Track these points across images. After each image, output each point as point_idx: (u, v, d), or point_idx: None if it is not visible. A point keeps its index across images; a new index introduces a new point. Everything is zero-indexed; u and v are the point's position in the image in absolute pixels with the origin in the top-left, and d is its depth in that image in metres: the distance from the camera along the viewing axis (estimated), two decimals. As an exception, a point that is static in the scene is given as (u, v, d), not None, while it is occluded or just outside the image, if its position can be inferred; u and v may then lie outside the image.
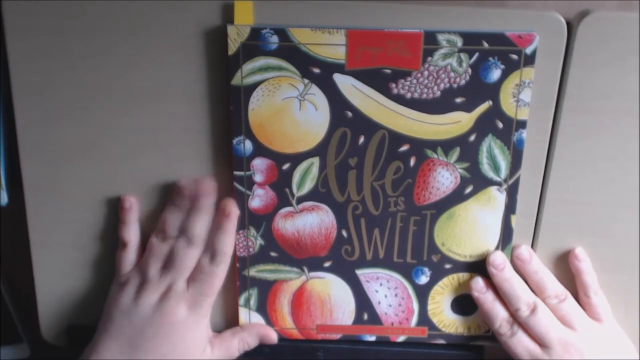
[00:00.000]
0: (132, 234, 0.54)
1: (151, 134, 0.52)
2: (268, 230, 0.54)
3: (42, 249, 0.56)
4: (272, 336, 0.57)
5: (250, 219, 0.54)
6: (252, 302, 0.56)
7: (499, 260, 0.53)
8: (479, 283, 0.54)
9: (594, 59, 0.49)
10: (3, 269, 0.63)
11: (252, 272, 0.55)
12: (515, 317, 0.53)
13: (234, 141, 0.51)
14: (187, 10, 0.49)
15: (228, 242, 0.53)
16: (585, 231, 0.54)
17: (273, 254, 0.55)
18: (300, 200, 0.53)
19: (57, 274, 0.57)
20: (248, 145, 0.51)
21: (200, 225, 0.52)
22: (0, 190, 0.55)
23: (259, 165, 0.52)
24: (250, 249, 0.55)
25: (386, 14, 0.48)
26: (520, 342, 0.52)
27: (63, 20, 0.49)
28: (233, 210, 0.53)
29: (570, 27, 0.48)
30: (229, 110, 0.51)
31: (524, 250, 0.53)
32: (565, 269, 0.54)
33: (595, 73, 0.49)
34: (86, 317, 0.58)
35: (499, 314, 0.53)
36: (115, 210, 0.54)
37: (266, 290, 0.56)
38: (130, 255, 0.54)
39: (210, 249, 0.53)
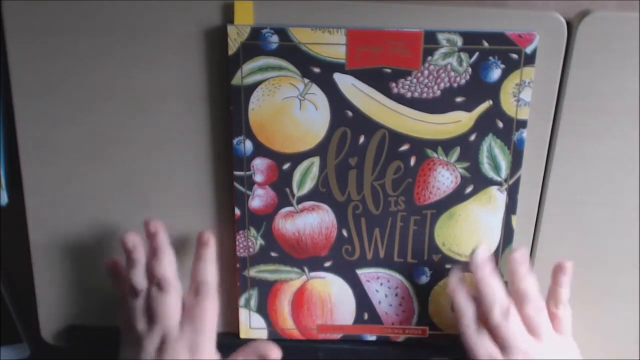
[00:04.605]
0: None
1: (151, 134, 0.52)
2: (268, 230, 0.54)
3: (42, 249, 0.56)
4: (273, 353, 0.52)
5: (250, 219, 0.54)
6: (253, 302, 0.56)
7: (481, 257, 0.52)
8: (457, 275, 0.53)
9: (594, 59, 0.49)
10: (3, 269, 0.63)
11: (252, 272, 0.55)
12: (485, 317, 0.51)
13: (234, 141, 0.51)
14: (187, 10, 0.49)
15: (209, 270, 0.51)
16: (585, 231, 0.54)
17: (273, 254, 0.55)
18: (301, 200, 0.53)
19: (57, 274, 0.57)
20: (248, 145, 0.51)
21: (164, 267, 0.51)
22: (0, 190, 0.55)
23: (259, 165, 0.52)
24: (251, 249, 0.55)
25: (386, 13, 0.48)
26: (483, 343, 0.51)
27: (63, 20, 0.49)
28: (210, 240, 0.52)
29: (570, 27, 0.48)
30: (229, 110, 0.51)
31: (521, 253, 0.52)
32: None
33: (595, 73, 0.49)
34: (86, 317, 0.58)
35: (470, 311, 0.52)
36: (114, 210, 0.54)
37: (266, 291, 0.56)
38: (127, 305, 0.52)
39: (194, 283, 0.51)
